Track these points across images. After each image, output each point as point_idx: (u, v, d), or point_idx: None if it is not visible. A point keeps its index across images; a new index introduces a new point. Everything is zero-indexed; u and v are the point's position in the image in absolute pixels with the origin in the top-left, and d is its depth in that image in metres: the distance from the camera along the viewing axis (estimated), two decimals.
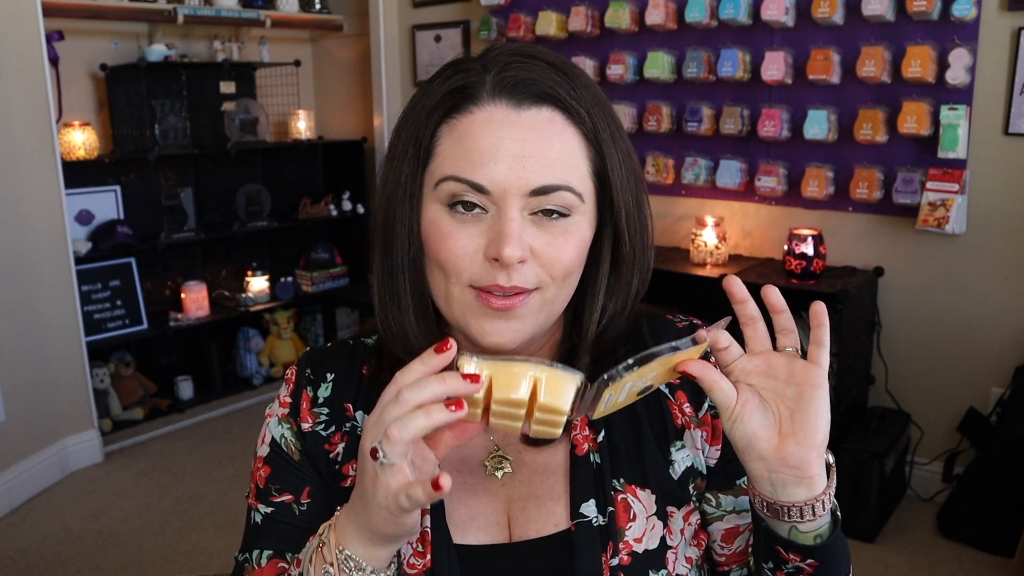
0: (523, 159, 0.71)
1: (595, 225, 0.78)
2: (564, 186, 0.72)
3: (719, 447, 0.83)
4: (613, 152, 0.76)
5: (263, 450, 0.86)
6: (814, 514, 0.68)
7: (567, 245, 0.74)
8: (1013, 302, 2.58)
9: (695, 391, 0.83)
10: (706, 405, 0.83)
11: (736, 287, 0.69)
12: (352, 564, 0.69)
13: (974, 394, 2.68)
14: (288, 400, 0.85)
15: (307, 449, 0.83)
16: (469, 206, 0.72)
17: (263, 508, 0.84)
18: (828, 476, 0.69)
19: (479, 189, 0.71)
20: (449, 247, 0.73)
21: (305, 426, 0.84)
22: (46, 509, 2.88)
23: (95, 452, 3.22)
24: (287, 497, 0.83)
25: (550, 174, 0.72)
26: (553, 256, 0.73)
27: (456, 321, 0.76)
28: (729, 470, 0.83)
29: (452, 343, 0.65)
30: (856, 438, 2.60)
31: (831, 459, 0.70)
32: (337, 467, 0.83)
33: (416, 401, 0.63)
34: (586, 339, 0.80)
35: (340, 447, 0.83)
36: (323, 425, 0.84)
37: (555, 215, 0.73)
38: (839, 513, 0.72)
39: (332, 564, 0.69)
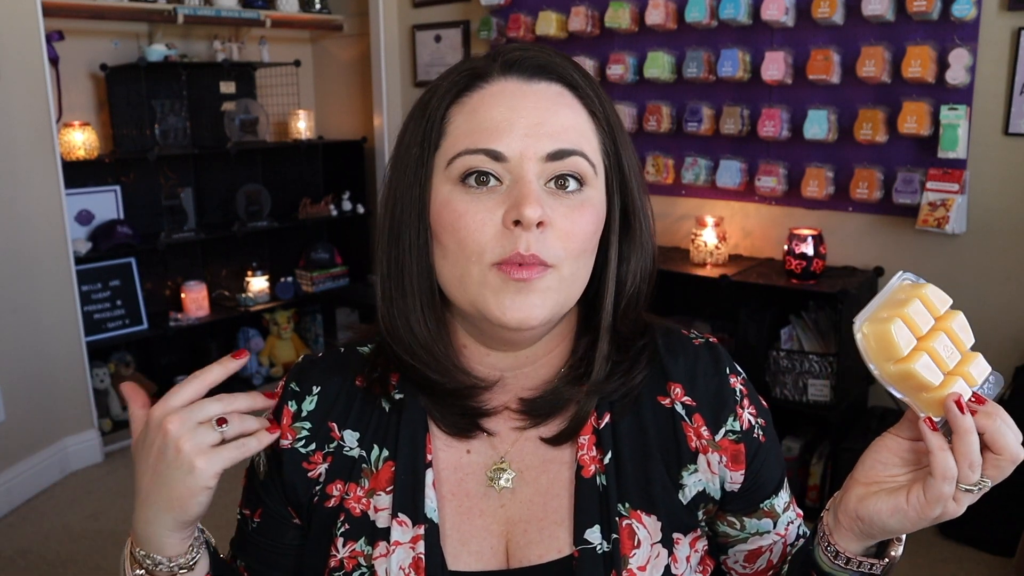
0: (537, 125, 0.72)
1: (606, 204, 0.77)
2: (578, 151, 0.73)
3: (742, 472, 0.80)
4: (621, 131, 0.78)
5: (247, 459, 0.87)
6: (868, 569, 0.74)
7: (583, 218, 0.73)
8: (1013, 302, 2.58)
9: (714, 414, 0.80)
10: (724, 429, 0.80)
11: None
12: (151, 561, 0.72)
13: None
14: (270, 418, 0.83)
15: (280, 469, 0.81)
16: (484, 179, 0.72)
17: (239, 510, 0.89)
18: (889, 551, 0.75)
19: (496, 157, 0.71)
20: (466, 223, 0.71)
21: (284, 443, 0.81)
22: (46, 509, 2.87)
23: (95, 452, 3.22)
24: (246, 511, 0.87)
25: (564, 139, 0.72)
26: (570, 229, 0.72)
27: (472, 303, 0.73)
28: (753, 494, 0.82)
29: None
30: (856, 438, 2.60)
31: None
32: (319, 487, 0.80)
33: None
34: (604, 324, 0.78)
35: (322, 468, 0.80)
36: (303, 442, 0.81)
37: (571, 185, 0.73)
38: None
39: (138, 566, 0.72)
